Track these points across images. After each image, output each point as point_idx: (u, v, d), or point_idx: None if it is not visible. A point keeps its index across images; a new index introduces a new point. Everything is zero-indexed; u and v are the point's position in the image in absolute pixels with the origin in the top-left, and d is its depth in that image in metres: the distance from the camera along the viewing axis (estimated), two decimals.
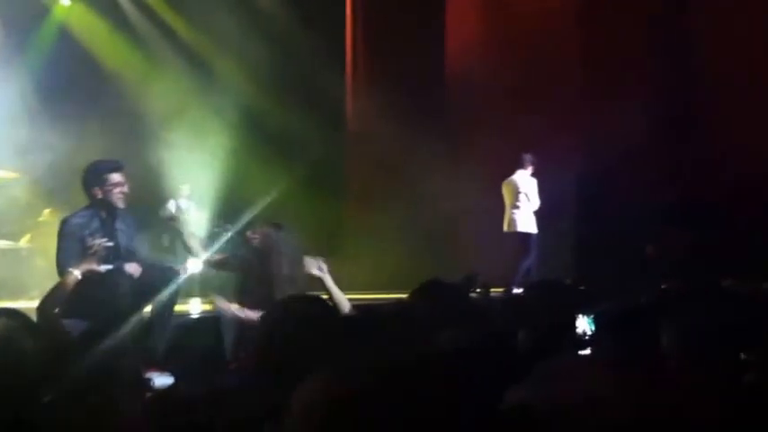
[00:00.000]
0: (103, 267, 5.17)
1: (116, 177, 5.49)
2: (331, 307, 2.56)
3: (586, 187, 10.46)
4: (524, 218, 9.41)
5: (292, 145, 11.45)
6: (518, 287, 9.00)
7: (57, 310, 4.84)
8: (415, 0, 12.30)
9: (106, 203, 5.48)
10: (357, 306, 4.36)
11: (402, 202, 11.00)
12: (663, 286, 6.00)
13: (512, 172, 9.61)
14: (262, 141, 11.23)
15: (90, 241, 5.08)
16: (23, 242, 10.20)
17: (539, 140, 9.83)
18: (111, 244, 5.26)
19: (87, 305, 4.86)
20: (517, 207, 9.46)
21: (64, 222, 5.51)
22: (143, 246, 5.98)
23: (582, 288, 6.16)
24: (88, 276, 5.10)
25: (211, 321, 4.78)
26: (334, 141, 12.23)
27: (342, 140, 12.72)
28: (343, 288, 5.28)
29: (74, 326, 4.23)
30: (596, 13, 10.82)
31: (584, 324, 6.36)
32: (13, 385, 2.02)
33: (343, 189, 12.78)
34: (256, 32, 11.36)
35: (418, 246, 10.83)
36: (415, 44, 12.06)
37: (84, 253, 5.03)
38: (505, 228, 9.59)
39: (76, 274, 4.89)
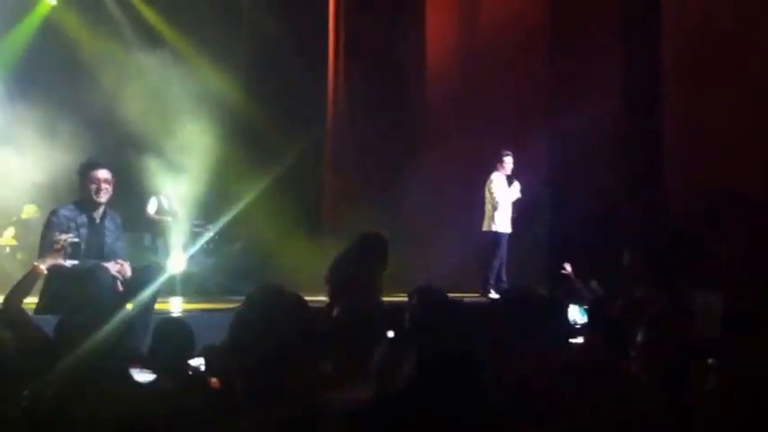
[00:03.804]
0: (69, 263, 5.26)
1: (98, 174, 5.62)
2: (303, 303, 2.60)
3: (559, 191, 10.57)
4: (495, 217, 9.53)
5: (272, 145, 11.52)
6: (495, 292, 9.08)
7: (33, 305, 4.90)
8: (395, 5, 12.42)
9: (89, 199, 5.60)
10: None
11: (378, 203, 11.10)
12: (637, 294, 6.10)
13: (487, 173, 9.72)
14: (242, 141, 11.32)
15: (57, 236, 5.16)
16: (6, 238, 10.23)
17: (512, 143, 9.93)
18: (76, 240, 5.40)
19: (65, 301, 4.93)
20: (489, 206, 9.58)
21: (52, 213, 5.64)
22: (126, 245, 6.05)
23: (556, 294, 6.25)
24: (67, 273, 5.16)
25: (192, 319, 4.85)
26: (313, 142, 12.32)
27: (321, 141, 12.82)
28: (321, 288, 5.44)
29: (50, 322, 4.28)
30: (565, 19, 10.95)
31: (575, 313, 6.48)
32: None
33: (321, 189, 12.87)
34: (239, 33, 11.44)
35: (393, 248, 10.88)
36: (395, 49, 12.19)
37: (52, 247, 5.11)
38: (483, 227, 9.70)
39: (42, 267, 4.97)
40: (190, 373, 3.84)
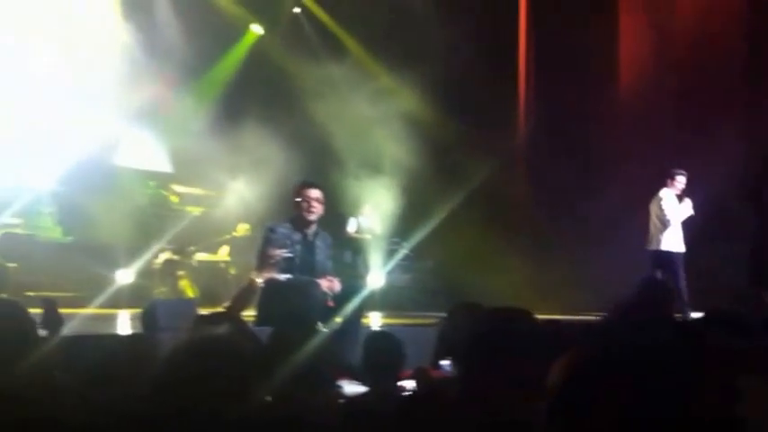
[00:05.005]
0: (283, 276, 5.54)
1: (309, 193, 5.90)
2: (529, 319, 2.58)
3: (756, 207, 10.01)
4: (664, 236, 9.17)
5: (464, 162, 11.60)
6: (692, 311, 8.70)
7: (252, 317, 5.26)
8: (588, 18, 12.23)
9: (301, 217, 5.89)
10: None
11: (572, 219, 10.96)
12: None
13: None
14: (435, 159, 11.48)
15: (271, 251, 5.45)
16: (221, 255, 10.96)
17: (704, 154, 9.56)
18: (290, 255, 5.64)
19: (280, 314, 5.26)
20: (658, 224, 9.23)
21: (269, 230, 5.94)
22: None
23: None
24: (282, 287, 5.50)
25: (400, 333, 5.03)
26: (505, 158, 12.30)
27: (512, 157, 12.78)
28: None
29: (267, 333, 4.57)
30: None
31: None
32: (234, 383, 2.20)
33: (513, 206, 12.83)
34: (430, 51, 11.64)
35: (583, 261, 10.68)
36: (586, 59, 12.01)
37: (267, 262, 5.40)
38: (648, 246, 9.37)
39: (258, 281, 5.29)
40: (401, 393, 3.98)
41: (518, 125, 13.02)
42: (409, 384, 4.17)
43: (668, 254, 9.16)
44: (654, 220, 9.30)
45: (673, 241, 9.18)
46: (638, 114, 11.74)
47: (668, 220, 9.14)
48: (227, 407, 2.10)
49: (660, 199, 9.24)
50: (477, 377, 2.34)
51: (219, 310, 6.69)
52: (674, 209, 9.17)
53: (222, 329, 2.22)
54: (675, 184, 9.24)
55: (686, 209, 9.20)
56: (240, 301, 5.25)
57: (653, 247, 9.27)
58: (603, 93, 12.15)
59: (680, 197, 9.26)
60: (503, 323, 2.41)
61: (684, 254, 9.22)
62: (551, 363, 1.68)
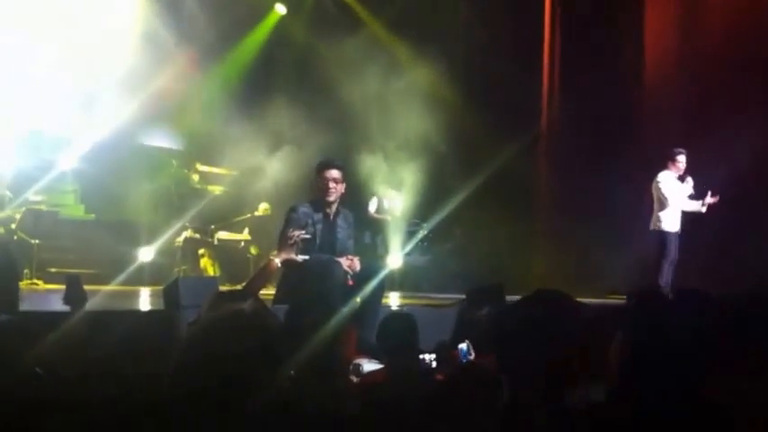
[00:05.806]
0: (301, 258, 5.56)
1: (327, 174, 5.90)
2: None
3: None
4: (661, 216, 9.16)
5: (485, 146, 11.58)
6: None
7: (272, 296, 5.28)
8: (613, 12, 12.12)
9: (321, 197, 5.89)
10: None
11: (592, 207, 10.92)
12: None
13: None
14: (457, 146, 11.46)
15: (290, 232, 5.46)
16: (243, 234, 11.02)
17: (734, 149, 9.49)
18: (308, 236, 5.65)
19: (300, 293, 5.28)
20: (657, 206, 9.23)
21: (291, 210, 5.94)
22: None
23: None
24: (302, 266, 5.53)
25: (418, 314, 5.05)
26: (526, 144, 12.26)
27: (534, 143, 12.74)
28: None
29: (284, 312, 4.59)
30: None
31: None
32: (261, 361, 2.18)
33: (534, 192, 12.81)
34: (454, 39, 11.57)
35: (604, 253, 10.66)
36: (613, 55, 11.92)
37: (286, 242, 5.41)
38: (650, 227, 9.38)
39: (276, 261, 5.30)
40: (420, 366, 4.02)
41: (541, 113, 12.96)
42: (429, 357, 4.21)
43: (663, 233, 9.18)
44: (655, 201, 9.33)
45: (670, 221, 9.20)
46: (661, 109, 11.63)
47: (667, 200, 9.16)
48: (249, 387, 2.08)
49: (658, 182, 9.25)
50: (511, 359, 2.31)
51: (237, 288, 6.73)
52: (671, 190, 9.19)
53: (246, 305, 2.21)
54: (677, 164, 9.23)
55: (686, 189, 9.20)
56: (257, 282, 5.26)
57: (652, 227, 9.32)
58: (628, 83, 12.05)
59: (682, 177, 9.25)
60: (544, 305, 2.36)
61: (680, 234, 9.23)
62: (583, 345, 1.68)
